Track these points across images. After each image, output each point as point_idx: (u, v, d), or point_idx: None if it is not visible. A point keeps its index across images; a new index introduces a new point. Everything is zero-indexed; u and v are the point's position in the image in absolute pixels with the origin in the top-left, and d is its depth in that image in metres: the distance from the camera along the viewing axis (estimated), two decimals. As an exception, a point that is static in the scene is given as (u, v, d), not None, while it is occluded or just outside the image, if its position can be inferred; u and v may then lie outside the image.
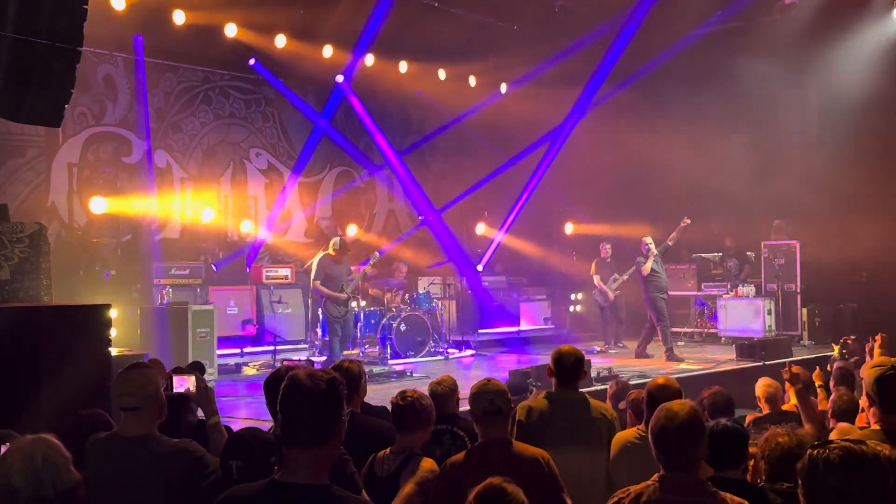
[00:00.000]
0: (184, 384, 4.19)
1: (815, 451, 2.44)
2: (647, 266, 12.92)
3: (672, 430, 3.13)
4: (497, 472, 3.00)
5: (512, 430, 4.74)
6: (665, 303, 13.11)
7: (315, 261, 11.95)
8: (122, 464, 3.62)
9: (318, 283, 11.68)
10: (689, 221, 13.13)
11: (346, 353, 12.01)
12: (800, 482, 2.47)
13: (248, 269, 14.20)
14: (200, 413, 4.54)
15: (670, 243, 13.26)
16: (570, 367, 4.83)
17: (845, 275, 15.05)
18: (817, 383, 5.86)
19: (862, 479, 2.36)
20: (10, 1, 5.80)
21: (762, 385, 6.52)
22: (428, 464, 4.20)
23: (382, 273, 14.25)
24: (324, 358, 11.97)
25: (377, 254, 12.80)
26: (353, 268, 12.28)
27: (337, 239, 12.08)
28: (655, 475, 3.25)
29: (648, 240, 13.13)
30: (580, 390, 4.99)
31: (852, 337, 11.53)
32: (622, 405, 5.82)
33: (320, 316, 13.54)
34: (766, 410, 6.35)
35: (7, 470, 2.75)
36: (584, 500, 4.32)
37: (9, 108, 6.14)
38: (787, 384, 6.34)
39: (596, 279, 14.40)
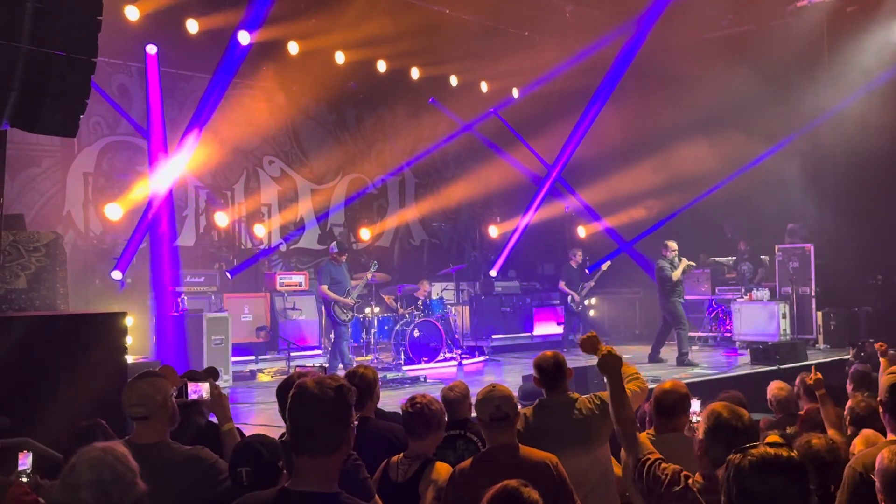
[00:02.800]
0: (198, 391, 4.22)
1: (735, 456, 2.48)
2: (678, 273, 12.90)
3: (742, 428, 3.26)
4: (505, 477, 3.02)
5: None
6: (682, 307, 13.10)
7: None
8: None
9: (324, 287, 11.96)
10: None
11: (359, 358, 12.08)
12: (721, 485, 2.51)
13: (264, 274, 14.27)
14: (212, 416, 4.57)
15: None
16: (551, 371, 4.78)
17: (860, 278, 14.98)
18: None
19: (774, 483, 2.40)
20: (25, 13, 5.86)
21: (773, 388, 6.50)
22: (445, 470, 4.21)
23: (407, 291, 14.28)
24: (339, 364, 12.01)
25: (375, 262, 12.97)
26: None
27: (334, 243, 12.35)
28: (698, 474, 3.27)
29: (674, 245, 13.07)
30: (572, 393, 4.92)
31: (870, 340, 11.50)
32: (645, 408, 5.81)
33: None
34: (776, 414, 6.33)
35: (76, 481, 2.77)
36: (593, 498, 4.31)
37: (24, 119, 6.19)
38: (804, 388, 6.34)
39: (561, 284, 14.74)
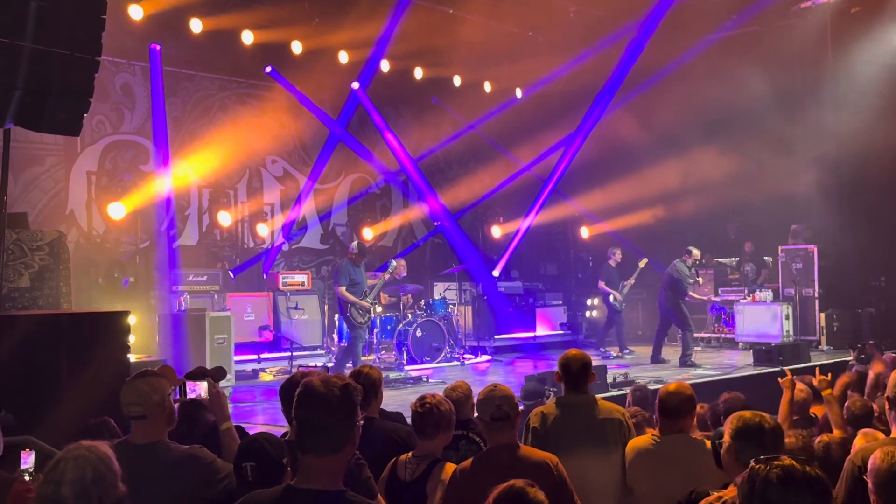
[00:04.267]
0: (196, 390, 4.21)
1: (758, 467, 2.44)
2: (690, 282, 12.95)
3: (769, 429, 3.29)
4: (505, 477, 3.01)
5: (527, 436, 4.74)
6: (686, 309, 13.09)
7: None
8: (132, 472, 3.64)
9: (342, 288, 11.60)
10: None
11: (362, 358, 12.03)
12: (739, 494, 2.48)
13: (264, 276, 14.28)
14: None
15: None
16: (577, 371, 4.85)
17: (863, 279, 14.96)
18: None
19: (800, 499, 2.37)
20: (29, 12, 5.87)
21: (796, 390, 6.48)
22: (452, 470, 4.21)
23: (410, 290, 14.21)
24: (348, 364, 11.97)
25: (393, 261, 12.81)
26: (367, 273, 12.34)
27: (355, 243, 12.16)
28: (732, 485, 3.25)
29: (697, 254, 13.04)
30: (592, 394, 4.98)
31: (871, 342, 11.50)
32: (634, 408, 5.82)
33: (336, 322, 13.61)
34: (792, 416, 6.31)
35: (58, 478, 2.78)
36: (598, 501, 4.31)
37: (28, 118, 6.20)
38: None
39: (601, 283, 14.45)
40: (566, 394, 4.90)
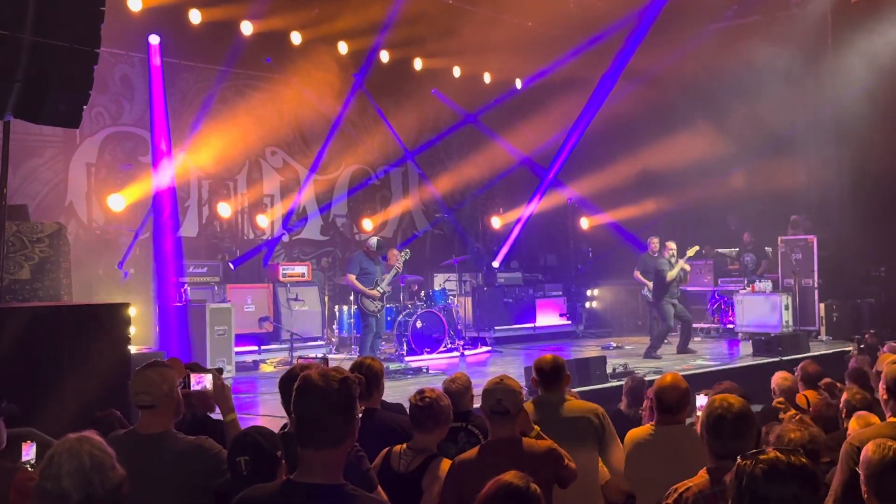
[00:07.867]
0: (201, 382, 4.23)
1: (743, 463, 2.46)
2: (673, 273, 12.61)
3: (730, 419, 3.28)
4: (507, 470, 3.00)
5: None
6: (673, 307, 12.87)
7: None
8: (139, 461, 3.66)
9: (352, 276, 11.87)
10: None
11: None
12: (728, 492, 2.50)
13: (264, 267, 14.28)
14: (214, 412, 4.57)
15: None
16: (549, 373, 4.93)
17: (863, 269, 14.97)
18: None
19: (788, 490, 2.39)
20: (28, 4, 5.87)
21: (778, 378, 6.59)
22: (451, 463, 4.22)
23: (410, 282, 14.22)
24: (342, 355, 12.03)
25: (407, 251, 12.83)
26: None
27: (374, 239, 12.23)
28: (703, 469, 3.28)
29: (673, 245, 12.86)
30: (566, 394, 5.05)
31: (871, 331, 11.52)
32: (645, 401, 5.82)
33: (336, 313, 13.66)
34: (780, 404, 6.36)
35: (56, 471, 2.77)
36: (569, 497, 4.30)
37: (28, 110, 6.21)
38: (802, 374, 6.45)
39: (636, 273, 13.72)
40: (542, 394, 4.96)
